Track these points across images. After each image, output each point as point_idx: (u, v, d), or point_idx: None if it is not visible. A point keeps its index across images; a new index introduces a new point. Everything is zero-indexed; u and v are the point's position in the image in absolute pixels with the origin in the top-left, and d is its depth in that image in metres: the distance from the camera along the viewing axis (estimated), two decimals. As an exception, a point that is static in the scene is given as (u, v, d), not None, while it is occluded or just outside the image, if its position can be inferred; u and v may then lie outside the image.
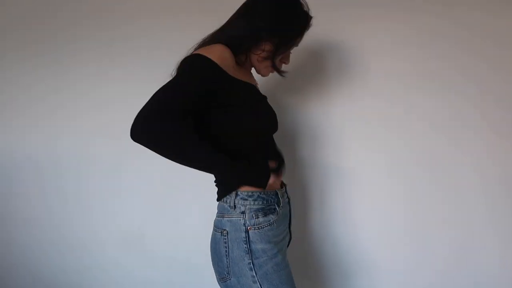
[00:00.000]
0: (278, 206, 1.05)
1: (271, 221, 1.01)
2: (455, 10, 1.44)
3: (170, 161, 1.59)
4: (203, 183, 1.61)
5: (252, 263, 0.97)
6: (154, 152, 1.61)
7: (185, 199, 1.65)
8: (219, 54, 0.94)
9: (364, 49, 1.50)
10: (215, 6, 1.51)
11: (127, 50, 1.65)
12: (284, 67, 1.13)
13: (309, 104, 1.55)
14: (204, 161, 0.92)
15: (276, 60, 1.06)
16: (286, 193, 1.14)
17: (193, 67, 0.92)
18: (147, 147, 0.86)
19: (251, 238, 0.98)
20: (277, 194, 1.06)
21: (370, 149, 1.51)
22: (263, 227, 0.99)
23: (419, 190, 1.49)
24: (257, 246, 0.98)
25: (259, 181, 0.98)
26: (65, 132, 1.70)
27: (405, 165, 1.49)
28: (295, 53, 1.51)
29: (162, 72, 1.60)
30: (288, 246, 1.15)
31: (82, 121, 1.69)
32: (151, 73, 1.60)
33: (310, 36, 1.52)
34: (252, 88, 1.05)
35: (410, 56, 1.47)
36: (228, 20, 1.07)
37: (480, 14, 1.42)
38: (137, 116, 0.85)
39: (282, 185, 1.15)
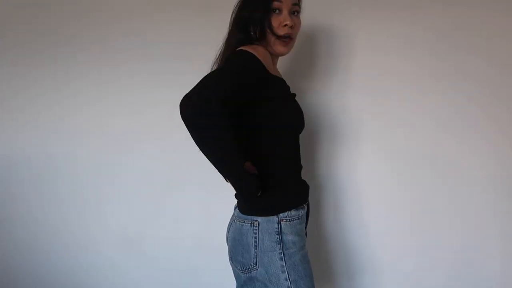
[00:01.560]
0: (305, 203, 1.13)
1: (300, 215, 1.07)
2: (459, 9, 1.43)
3: (168, 160, 1.61)
4: (203, 183, 1.62)
5: (283, 253, 1.01)
6: (153, 151, 1.62)
7: (184, 199, 1.64)
8: (262, 52, 1.02)
9: (371, 49, 1.49)
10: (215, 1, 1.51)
11: (122, 47, 1.64)
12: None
13: (316, 104, 1.54)
14: (231, 171, 0.97)
15: (272, 28, 1.08)
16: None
17: (239, 59, 0.99)
18: (187, 128, 0.90)
19: (283, 230, 1.02)
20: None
21: (376, 150, 1.50)
22: (293, 220, 1.04)
23: (425, 190, 1.48)
24: (288, 237, 1.02)
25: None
26: (61, 131, 1.69)
27: (410, 165, 1.48)
28: (301, 54, 1.53)
29: (159, 69, 1.61)
30: None
31: (78, 120, 1.68)
32: (147, 70, 1.62)
33: (316, 35, 1.53)
34: (285, 84, 1.11)
35: (415, 56, 1.46)
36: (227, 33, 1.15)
37: (485, 13, 1.41)
38: (184, 97, 0.89)
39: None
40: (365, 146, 1.51)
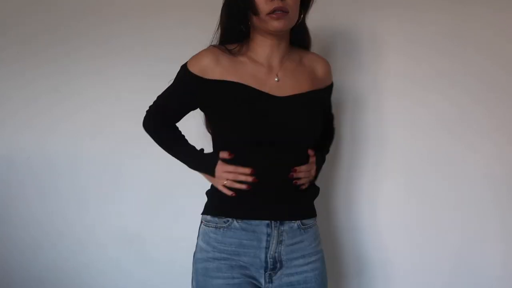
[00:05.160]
0: (237, 218, 1.02)
1: (218, 225, 1.06)
2: (461, 7, 1.43)
3: (169, 160, 1.60)
4: (204, 182, 1.63)
5: (193, 256, 1.09)
6: (153, 151, 1.62)
7: (185, 198, 1.63)
8: (199, 61, 1.02)
9: (371, 47, 1.49)
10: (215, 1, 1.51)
11: (122, 47, 1.64)
12: None
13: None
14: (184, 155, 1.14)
15: (254, 6, 0.94)
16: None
17: (176, 76, 1.09)
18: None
19: (200, 231, 1.10)
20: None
21: (377, 149, 1.50)
22: (209, 226, 1.07)
23: (426, 189, 1.49)
24: (199, 241, 1.10)
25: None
26: (61, 131, 1.69)
27: (411, 164, 1.49)
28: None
29: (158, 69, 1.57)
30: None
31: (78, 120, 1.67)
32: (147, 70, 1.61)
33: (321, 34, 1.50)
34: (238, 88, 0.97)
35: (415, 54, 1.46)
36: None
37: (488, 11, 1.41)
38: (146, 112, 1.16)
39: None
40: (364, 145, 1.51)
